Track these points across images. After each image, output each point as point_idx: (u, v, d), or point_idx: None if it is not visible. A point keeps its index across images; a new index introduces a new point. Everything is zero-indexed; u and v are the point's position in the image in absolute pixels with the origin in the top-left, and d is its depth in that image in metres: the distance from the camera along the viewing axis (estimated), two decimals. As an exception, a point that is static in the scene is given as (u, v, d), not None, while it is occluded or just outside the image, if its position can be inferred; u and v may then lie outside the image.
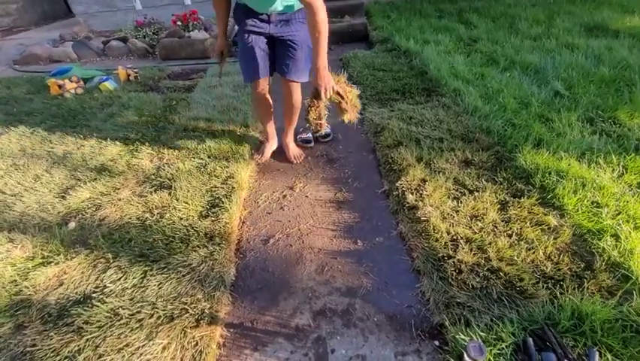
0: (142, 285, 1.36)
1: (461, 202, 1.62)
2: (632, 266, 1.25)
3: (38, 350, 1.17)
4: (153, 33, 4.88)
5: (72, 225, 1.71)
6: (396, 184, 1.79)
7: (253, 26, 1.72)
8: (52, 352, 1.15)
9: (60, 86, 3.30)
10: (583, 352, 1.03)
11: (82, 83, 3.44)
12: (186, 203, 1.77)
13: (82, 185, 1.98)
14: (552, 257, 1.34)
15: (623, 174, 1.70)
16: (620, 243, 1.34)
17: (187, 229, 1.61)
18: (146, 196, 1.85)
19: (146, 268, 1.43)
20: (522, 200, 1.59)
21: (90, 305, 1.29)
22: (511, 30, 3.89)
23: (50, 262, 1.50)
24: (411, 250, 1.48)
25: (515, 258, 1.34)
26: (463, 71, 2.89)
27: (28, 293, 1.37)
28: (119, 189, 1.94)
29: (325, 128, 1.89)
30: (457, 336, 1.09)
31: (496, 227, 1.49)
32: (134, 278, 1.39)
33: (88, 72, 3.73)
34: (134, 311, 1.25)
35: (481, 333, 1.09)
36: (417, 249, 1.45)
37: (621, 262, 1.27)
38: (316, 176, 2.03)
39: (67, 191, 1.95)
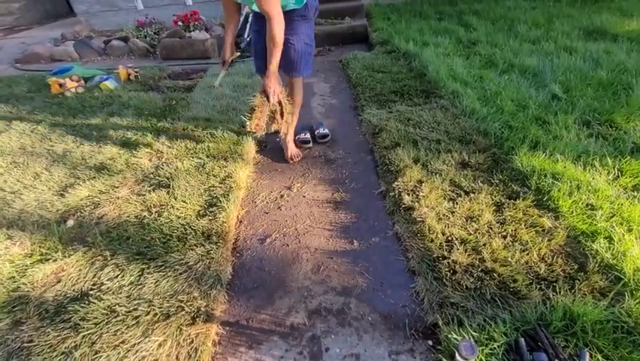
0: (139, 283, 1.37)
1: (457, 204, 1.63)
2: (624, 268, 1.26)
3: (35, 345, 1.18)
4: (154, 33, 4.91)
5: (70, 222, 1.72)
6: (393, 185, 1.80)
7: (254, 25, 1.83)
8: (49, 348, 1.17)
9: (61, 85, 3.32)
10: (574, 352, 1.04)
11: (82, 82, 3.46)
12: (184, 202, 1.78)
13: (81, 183, 2.00)
14: (546, 259, 1.35)
15: (618, 176, 1.71)
16: (614, 245, 1.35)
17: (184, 228, 1.62)
18: (144, 195, 1.86)
19: (144, 266, 1.44)
20: (517, 202, 1.60)
21: (87, 302, 1.30)
22: (511, 33, 3.90)
23: (48, 259, 1.51)
24: (406, 250, 1.49)
25: (509, 259, 1.35)
26: (462, 74, 2.90)
27: (26, 290, 1.38)
28: (117, 187, 1.96)
29: (263, 133, 1.89)
30: (450, 336, 1.10)
31: (491, 228, 1.50)
32: (131, 276, 1.40)
33: (89, 71, 3.75)
34: (131, 308, 1.27)
35: (474, 333, 1.10)
36: (412, 249, 1.46)
37: (614, 264, 1.28)
38: (314, 176, 2.04)
39: (66, 189, 1.97)
